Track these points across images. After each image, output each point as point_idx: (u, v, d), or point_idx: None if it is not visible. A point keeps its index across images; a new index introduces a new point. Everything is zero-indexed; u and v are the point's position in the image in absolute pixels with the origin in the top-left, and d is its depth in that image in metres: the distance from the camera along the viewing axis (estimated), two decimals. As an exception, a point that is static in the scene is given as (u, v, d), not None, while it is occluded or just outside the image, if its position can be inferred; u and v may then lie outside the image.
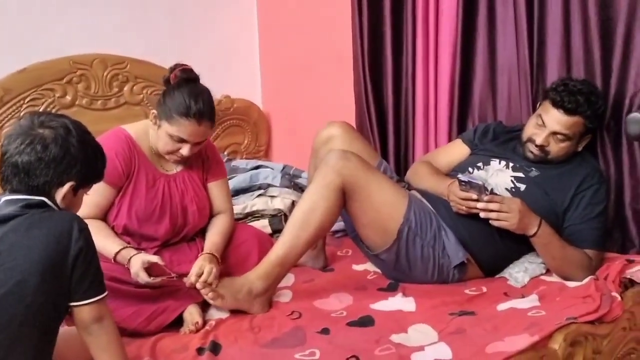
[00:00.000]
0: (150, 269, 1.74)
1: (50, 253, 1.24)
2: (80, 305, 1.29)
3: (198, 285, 1.76)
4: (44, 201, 1.30)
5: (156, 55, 2.78)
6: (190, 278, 1.76)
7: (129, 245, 1.81)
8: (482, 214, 1.90)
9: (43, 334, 1.27)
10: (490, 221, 1.90)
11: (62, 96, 2.59)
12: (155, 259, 1.75)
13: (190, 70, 1.89)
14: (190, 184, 1.96)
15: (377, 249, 1.99)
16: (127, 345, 1.53)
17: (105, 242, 1.77)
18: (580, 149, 2.08)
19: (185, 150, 1.86)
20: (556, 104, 1.99)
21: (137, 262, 1.73)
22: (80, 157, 1.32)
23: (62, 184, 1.32)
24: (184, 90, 1.82)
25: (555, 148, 2.04)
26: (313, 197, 1.88)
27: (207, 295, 1.77)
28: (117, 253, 1.77)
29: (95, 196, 1.74)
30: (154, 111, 1.87)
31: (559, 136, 2.02)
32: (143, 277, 1.72)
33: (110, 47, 2.70)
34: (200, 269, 1.77)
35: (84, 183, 1.36)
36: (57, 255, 1.24)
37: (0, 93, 2.45)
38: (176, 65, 1.90)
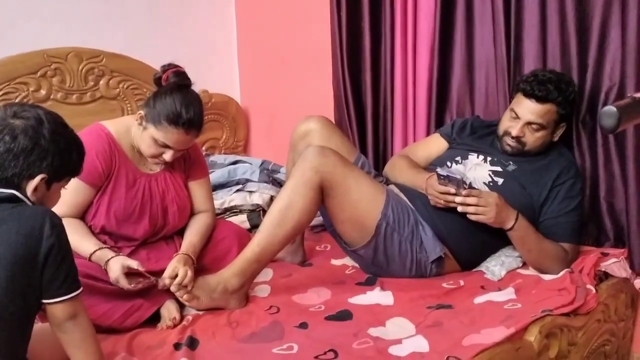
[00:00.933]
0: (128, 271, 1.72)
1: (19, 250, 1.20)
2: (53, 303, 1.26)
3: (172, 288, 1.73)
4: (15, 195, 1.27)
5: (133, 49, 2.75)
6: (164, 280, 1.74)
7: (105, 246, 1.78)
8: (459, 208, 1.91)
9: (14, 331, 1.24)
10: (467, 215, 1.91)
11: (36, 90, 2.54)
12: (135, 264, 1.72)
13: (184, 75, 1.84)
14: (171, 184, 1.92)
15: (355, 245, 1.99)
16: (103, 341, 1.51)
17: (81, 241, 1.74)
18: (556, 139, 2.10)
19: (168, 155, 1.82)
20: (527, 94, 2.02)
21: (117, 268, 1.70)
22: (52, 150, 1.28)
23: (32, 177, 1.28)
24: (177, 97, 1.77)
25: (532, 138, 2.05)
26: (291, 194, 1.87)
27: (182, 297, 1.75)
28: (92, 253, 1.74)
29: (73, 195, 1.72)
30: (141, 112, 1.82)
31: (533, 126, 2.03)
32: (124, 284, 1.69)
33: (86, 41, 2.66)
34: (174, 271, 1.75)
35: (57, 176, 1.32)
36: (27, 252, 1.21)
37: (-27, 87, 2.40)
38: (169, 66, 1.84)
